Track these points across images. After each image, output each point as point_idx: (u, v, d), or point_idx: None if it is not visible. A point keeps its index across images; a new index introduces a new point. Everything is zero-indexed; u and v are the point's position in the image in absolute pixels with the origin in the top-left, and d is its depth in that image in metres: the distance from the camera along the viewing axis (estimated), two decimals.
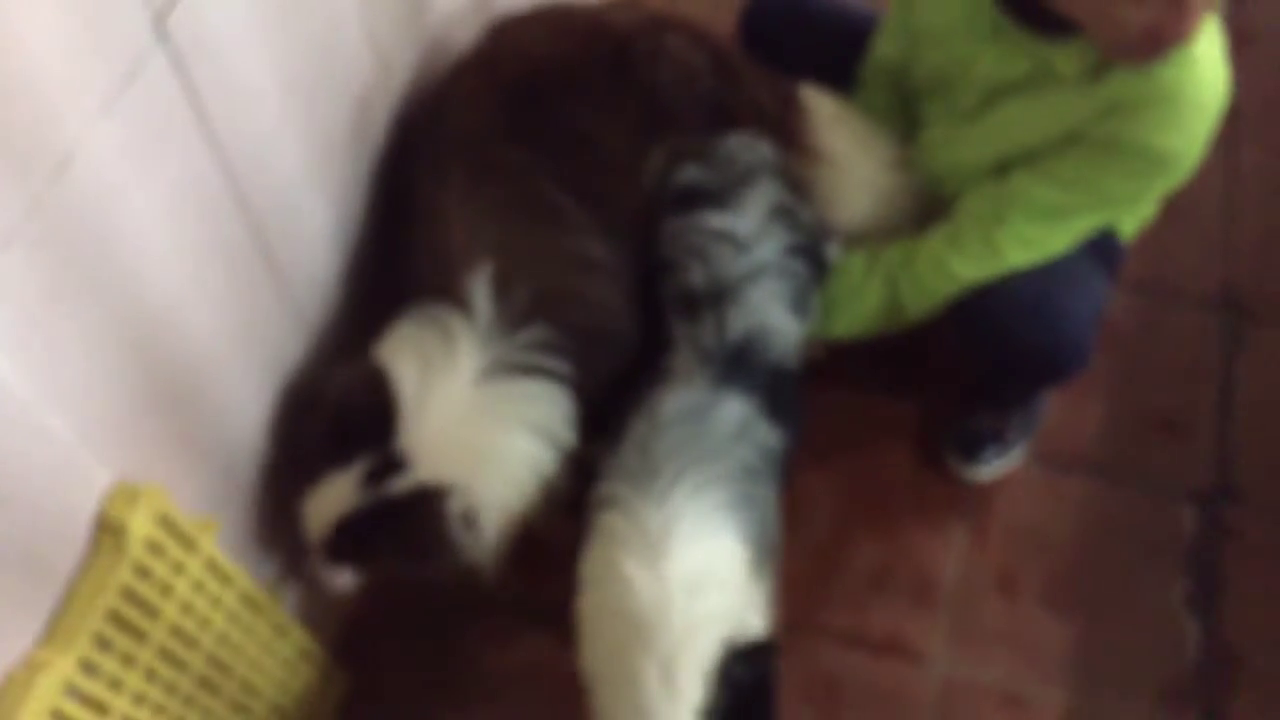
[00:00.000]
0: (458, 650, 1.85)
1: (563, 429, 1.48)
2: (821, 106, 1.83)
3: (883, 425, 2.10)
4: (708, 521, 1.40)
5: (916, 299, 1.75)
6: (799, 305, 1.62)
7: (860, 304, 1.78)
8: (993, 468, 2.03)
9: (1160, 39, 1.41)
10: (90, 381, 1.15)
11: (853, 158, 1.82)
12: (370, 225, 1.67)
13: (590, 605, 1.42)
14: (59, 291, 1.07)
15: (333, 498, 1.44)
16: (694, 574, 1.36)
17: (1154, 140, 1.54)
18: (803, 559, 1.94)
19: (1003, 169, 1.69)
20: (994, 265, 1.68)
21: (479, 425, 1.44)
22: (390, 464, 1.42)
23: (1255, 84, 2.25)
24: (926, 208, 1.82)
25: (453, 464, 1.43)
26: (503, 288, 1.44)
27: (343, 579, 1.65)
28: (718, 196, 1.61)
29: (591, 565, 1.43)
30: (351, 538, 1.45)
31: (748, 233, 1.58)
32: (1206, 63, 1.51)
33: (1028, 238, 1.66)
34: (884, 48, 1.87)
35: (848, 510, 2.02)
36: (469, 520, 1.44)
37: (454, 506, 1.42)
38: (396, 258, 1.60)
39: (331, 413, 1.46)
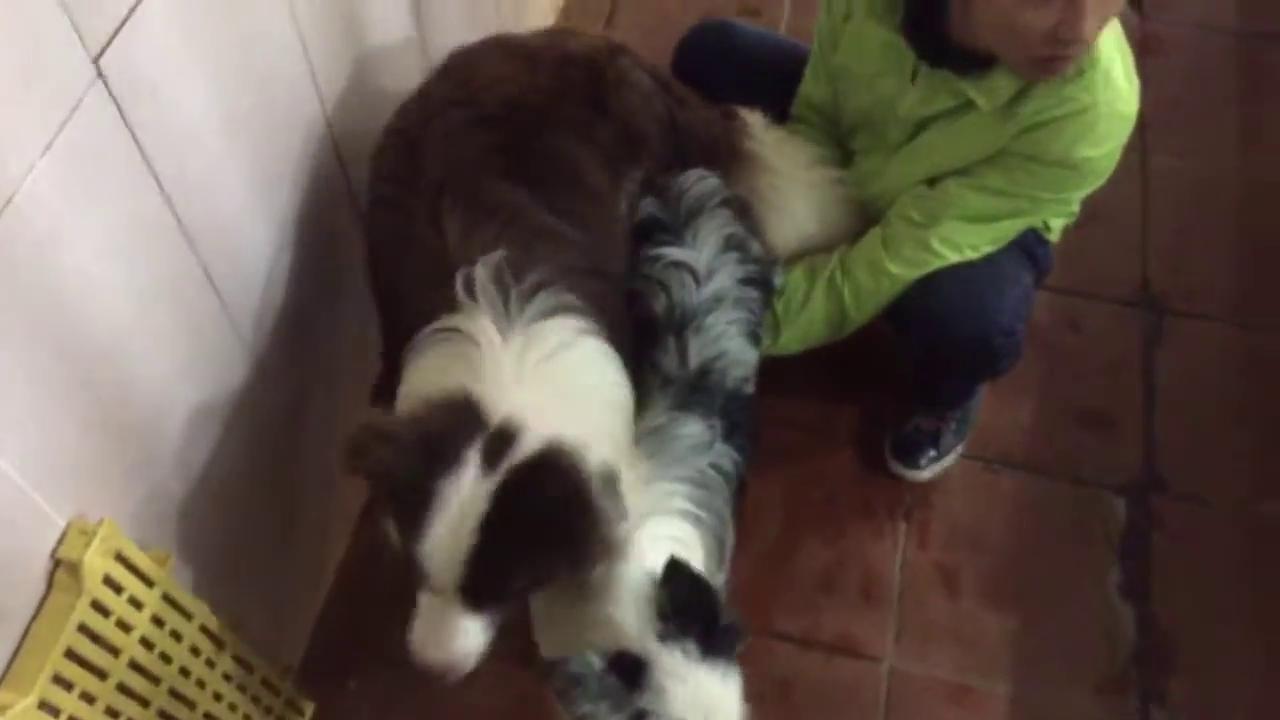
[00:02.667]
0: (420, 681, 1.82)
1: (616, 320, 1.43)
2: (758, 122, 1.86)
3: (824, 432, 2.13)
4: (660, 504, 1.41)
5: (858, 303, 1.78)
6: (754, 333, 1.66)
7: (806, 316, 1.81)
8: (932, 469, 2.07)
9: (1065, 42, 1.44)
10: (38, 421, 1.12)
11: (792, 166, 1.85)
12: (317, 256, 1.66)
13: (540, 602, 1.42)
14: (3, 332, 1.05)
15: (456, 510, 1.20)
16: (643, 540, 1.36)
17: (1073, 152, 1.60)
18: (753, 566, 1.96)
19: (933, 181, 1.74)
20: (926, 265, 1.72)
21: (552, 360, 1.31)
22: (501, 436, 1.23)
23: (1160, 92, 2.33)
24: (863, 219, 1.85)
25: (555, 404, 1.27)
26: (513, 273, 1.34)
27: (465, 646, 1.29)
28: (673, 229, 1.64)
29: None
30: (494, 552, 1.21)
31: (705, 264, 1.61)
32: (1117, 74, 1.56)
33: (958, 239, 1.71)
34: (811, 87, 1.91)
35: (795, 516, 2.04)
36: (608, 480, 1.25)
37: (590, 463, 1.23)
38: (382, 305, 1.55)
39: (409, 445, 1.24)
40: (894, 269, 1.74)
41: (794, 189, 1.84)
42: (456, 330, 1.33)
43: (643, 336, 1.58)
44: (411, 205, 1.46)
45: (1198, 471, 2.09)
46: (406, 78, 1.77)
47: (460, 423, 1.24)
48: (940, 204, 1.70)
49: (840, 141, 1.91)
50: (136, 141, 1.20)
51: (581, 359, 1.36)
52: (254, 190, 1.47)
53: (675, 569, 1.30)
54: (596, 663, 1.26)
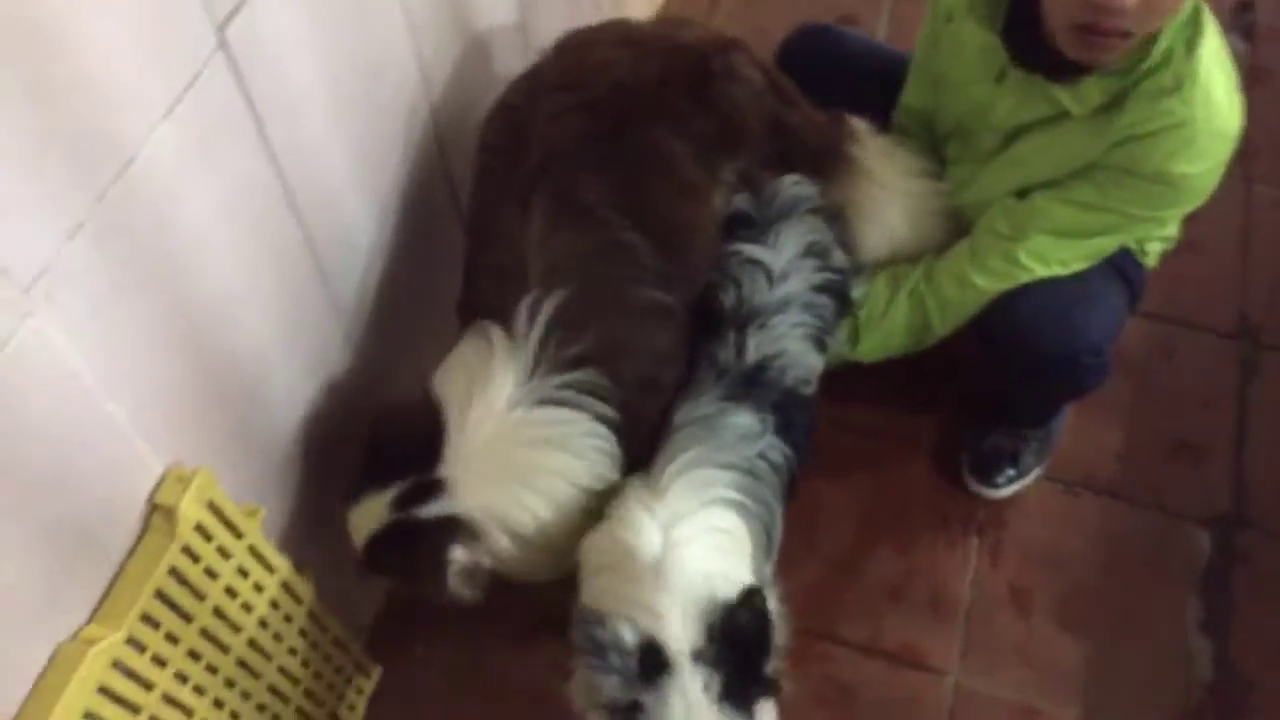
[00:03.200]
0: (487, 650, 1.86)
1: (597, 456, 1.46)
2: (866, 130, 1.85)
3: (903, 442, 2.11)
4: (703, 492, 1.40)
5: (941, 315, 1.76)
6: (820, 340, 1.65)
7: (886, 325, 1.79)
8: (1010, 488, 2.03)
9: (1102, 7, 1.38)
10: (147, 371, 1.17)
11: (895, 176, 1.83)
12: (412, 235, 1.70)
13: (586, 551, 1.43)
14: (122, 283, 1.10)
15: (367, 516, 1.43)
16: (686, 527, 1.37)
17: (1169, 167, 1.55)
18: (822, 570, 1.95)
19: (1024, 193, 1.71)
20: (1014, 278, 1.69)
21: (514, 448, 1.42)
22: (426, 488, 1.41)
23: (1267, 123, 2.25)
24: (956, 232, 1.83)
25: (489, 488, 1.41)
26: (560, 328, 1.43)
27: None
28: (758, 227, 1.65)
29: (586, 542, 1.43)
30: (378, 554, 1.45)
31: (781, 266, 1.61)
32: (1217, 91, 1.51)
33: (1046, 254, 1.67)
34: (911, 97, 1.89)
35: (867, 525, 2.02)
36: (473, 574, 1.44)
37: (459, 555, 1.41)
38: (467, 273, 1.60)
39: (381, 435, 1.46)
40: (979, 281, 1.71)
41: (893, 199, 1.82)
42: (488, 354, 1.43)
43: (705, 327, 1.58)
44: (508, 183, 1.50)
45: None
46: (509, 66, 1.80)
47: (412, 453, 1.42)
48: (1028, 217, 1.67)
49: (936, 151, 1.89)
50: (253, 110, 1.26)
51: (553, 451, 1.43)
52: (357, 166, 1.51)
53: (750, 597, 1.29)
54: (628, 639, 1.27)
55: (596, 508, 1.46)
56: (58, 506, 1.08)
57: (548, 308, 1.42)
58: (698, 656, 1.28)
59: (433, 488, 1.40)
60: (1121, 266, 1.75)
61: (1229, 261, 2.34)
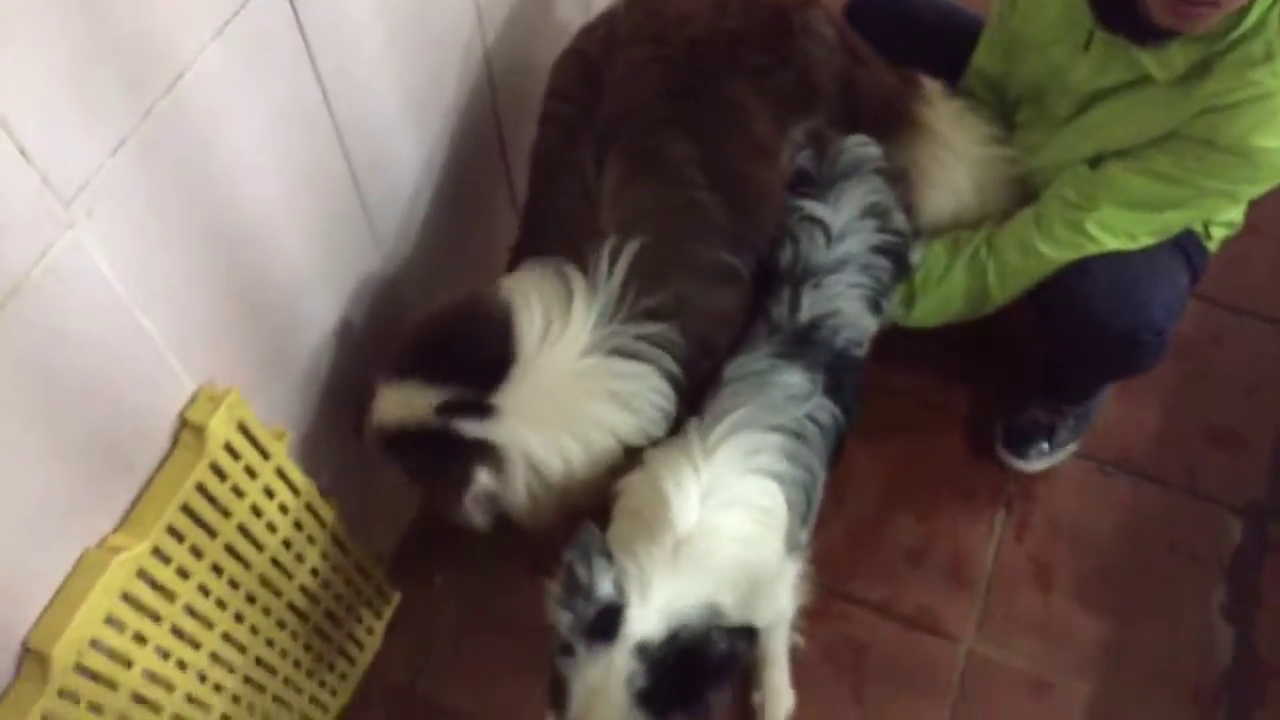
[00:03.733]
0: (503, 585, 1.88)
1: (654, 414, 1.46)
2: (938, 92, 1.81)
3: (937, 409, 2.08)
4: (749, 459, 1.40)
5: (1001, 282, 1.72)
6: (875, 302, 1.63)
7: (944, 290, 1.76)
8: (1042, 462, 2.01)
9: None
10: (183, 289, 1.18)
11: (964, 141, 1.79)
12: (457, 171, 1.69)
13: (624, 489, 1.43)
14: (162, 199, 1.11)
15: (405, 403, 1.41)
16: (727, 492, 1.37)
17: (1250, 140, 1.49)
18: (845, 530, 1.94)
19: (1096, 162, 1.66)
20: (1080, 249, 1.65)
21: (578, 394, 1.43)
22: (475, 407, 1.40)
23: None
24: (1020, 200, 1.79)
25: (536, 430, 1.41)
26: (639, 278, 1.43)
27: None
28: (820, 185, 1.62)
29: (628, 479, 1.44)
30: (403, 446, 1.44)
31: (840, 225, 1.60)
32: None
33: (1115, 225, 1.62)
34: (983, 59, 1.84)
35: (894, 488, 2.01)
36: (487, 499, 1.44)
37: (482, 482, 1.41)
38: (528, 215, 1.60)
39: (448, 331, 1.45)
40: (1044, 249, 1.67)
41: (960, 164, 1.79)
42: (565, 292, 1.42)
43: (761, 283, 1.57)
44: (581, 132, 1.49)
45: None
46: (566, 10, 1.78)
47: (477, 360, 1.41)
48: (1100, 186, 1.63)
49: (1006, 116, 1.84)
50: (304, 36, 1.25)
51: (614, 407, 1.44)
52: (405, 99, 1.50)
53: (738, 635, 1.26)
54: (600, 592, 1.26)
55: (625, 465, 1.46)
56: (89, 416, 1.10)
57: (628, 255, 1.41)
58: (643, 649, 1.26)
59: (483, 409, 1.39)
60: (1186, 247, 1.71)
61: None
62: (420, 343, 1.45)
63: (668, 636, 1.26)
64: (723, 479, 1.37)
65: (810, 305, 1.54)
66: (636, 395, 1.44)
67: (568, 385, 1.42)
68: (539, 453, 1.42)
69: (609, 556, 1.29)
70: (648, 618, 1.27)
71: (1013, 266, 1.71)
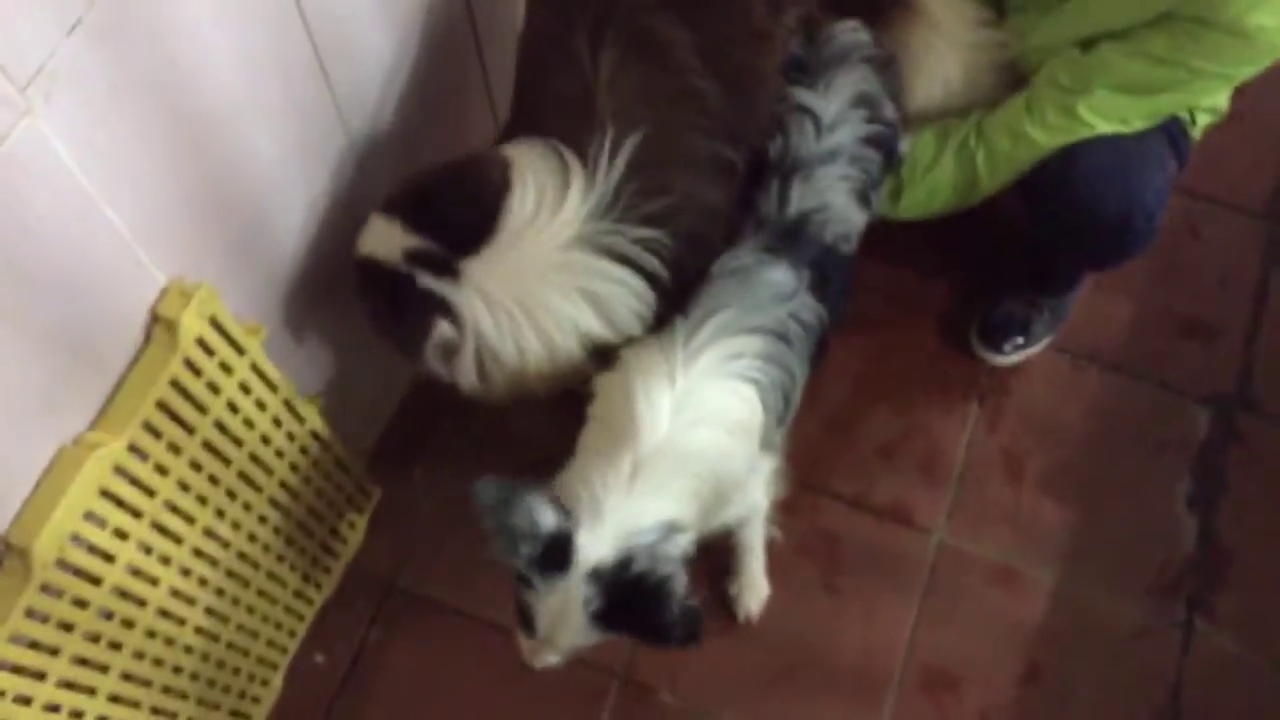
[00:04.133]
0: (480, 477, 1.88)
1: (629, 318, 1.45)
2: None
3: (911, 302, 2.09)
4: (729, 365, 1.39)
5: (991, 170, 1.70)
6: (864, 195, 1.60)
7: (932, 179, 1.74)
8: (1016, 355, 2.02)
9: None
10: (148, 179, 1.15)
11: (955, 23, 1.75)
12: (430, 59, 1.64)
13: (599, 390, 1.43)
14: (121, 85, 1.06)
15: (383, 238, 1.41)
16: (702, 399, 1.36)
17: (1248, 18, 1.46)
18: (818, 423, 1.96)
19: (1088, 45, 1.63)
20: (1071, 133, 1.63)
21: (546, 285, 1.41)
22: (443, 265, 1.39)
23: None
24: (1010, 88, 1.76)
25: (495, 308, 1.41)
26: (639, 176, 1.40)
27: None
28: (811, 73, 1.59)
29: (604, 379, 1.43)
30: (368, 280, 1.44)
31: (830, 116, 1.56)
32: None
33: (1108, 109, 1.60)
34: None
35: (869, 382, 2.02)
36: (446, 351, 1.43)
37: (443, 333, 1.40)
38: (520, 96, 1.55)
39: (444, 184, 1.44)
40: (1035, 134, 1.65)
41: (951, 47, 1.75)
42: (562, 176, 1.39)
43: (749, 174, 1.54)
44: (575, 15, 1.44)
45: None
46: None
47: (460, 219, 1.40)
48: (1093, 69, 1.60)
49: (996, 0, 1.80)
50: None
51: (586, 306, 1.42)
52: None
53: (688, 611, 1.29)
54: (544, 525, 1.28)
55: (591, 365, 1.46)
56: (57, 310, 1.08)
57: (628, 149, 1.38)
58: (596, 574, 1.28)
59: (447, 268, 1.38)
60: (1172, 133, 1.69)
61: (1269, 140, 2.26)
62: (415, 188, 1.44)
63: (619, 563, 1.29)
64: (698, 391, 1.36)
65: (799, 199, 1.52)
66: (614, 299, 1.42)
67: (541, 273, 1.40)
68: (490, 334, 1.41)
69: (540, 496, 1.30)
70: (599, 543, 1.29)
71: (1003, 153, 1.69)
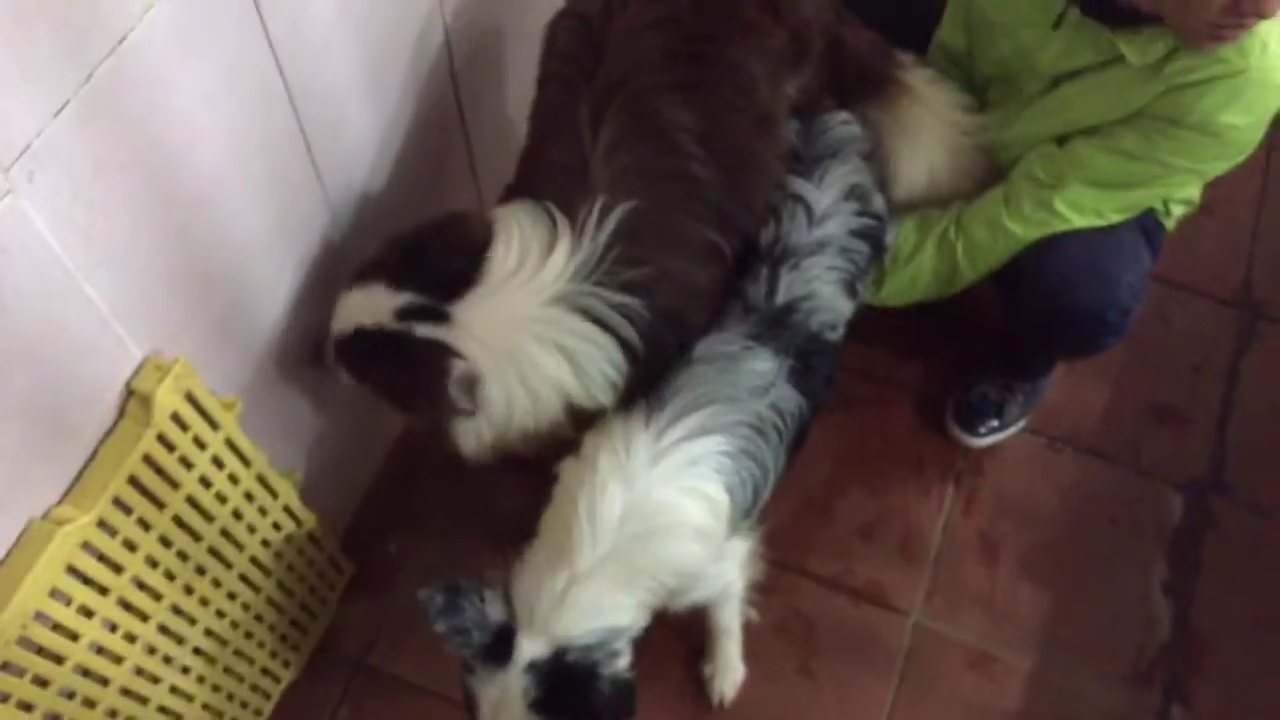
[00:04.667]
0: (457, 554, 1.87)
1: (602, 382, 1.46)
2: (911, 60, 1.81)
3: (889, 384, 2.10)
4: (697, 467, 1.39)
5: (970, 260, 1.73)
6: (851, 285, 1.62)
7: (913, 269, 1.76)
8: (991, 438, 2.03)
9: (1246, 14, 1.37)
10: (129, 256, 1.15)
11: (940, 104, 1.79)
12: (415, 138, 1.67)
13: (562, 475, 1.44)
14: (107, 164, 1.08)
15: (366, 306, 1.42)
16: (658, 508, 1.37)
17: (1217, 117, 1.50)
18: (798, 503, 1.96)
19: (1064, 139, 1.67)
20: (1047, 226, 1.66)
21: (528, 336, 1.42)
22: (435, 313, 1.41)
23: None
24: (989, 176, 1.79)
25: (485, 352, 1.41)
26: (623, 243, 1.42)
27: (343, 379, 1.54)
28: (805, 163, 1.62)
29: (567, 466, 1.44)
30: (363, 350, 1.44)
31: (823, 208, 1.59)
32: (1274, 44, 1.47)
33: (1083, 203, 1.64)
34: (948, 35, 1.83)
35: (846, 462, 2.03)
36: (470, 385, 1.42)
37: (459, 368, 1.40)
38: (524, 162, 1.58)
39: (422, 242, 1.46)
40: (1013, 227, 1.68)
41: (938, 126, 1.79)
42: (550, 235, 1.42)
43: (740, 260, 1.56)
44: (581, 90, 1.48)
45: (1265, 482, 2.02)
46: None
47: (443, 270, 1.43)
48: (1068, 164, 1.63)
49: (972, 90, 1.84)
50: None
51: (563, 362, 1.44)
52: (362, 63, 1.47)
53: (622, 689, 1.34)
54: (491, 618, 1.33)
55: (567, 427, 1.47)
56: (31, 383, 1.07)
57: (616, 216, 1.41)
58: (533, 666, 1.33)
59: (439, 315, 1.40)
60: (1146, 226, 1.73)
61: (1240, 229, 2.30)
62: (389, 250, 1.46)
63: (554, 656, 1.34)
64: (657, 495, 1.37)
65: (787, 287, 1.54)
66: (589, 359, 1.44)
67: (522, 325, 1.41)
68: (485, 379, 1.42)
69: (490, 590, 1.36)
70: (536, 644, 1.34)
71: (981, 245, 1.72)
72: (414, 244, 1.46)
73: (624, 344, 1.44)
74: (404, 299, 1.41)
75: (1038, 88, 1.68)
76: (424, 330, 1.40)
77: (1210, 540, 1.97)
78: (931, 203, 1.80)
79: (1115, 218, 1.66)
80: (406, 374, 1.44)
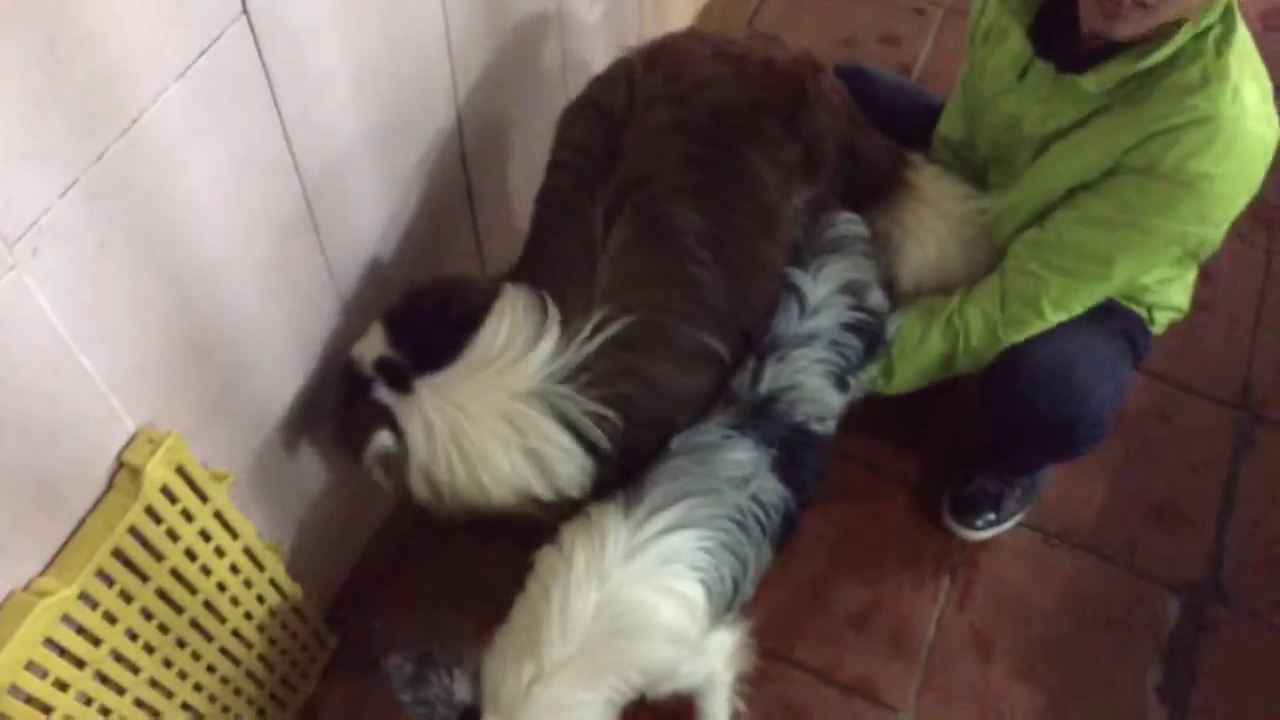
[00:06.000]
0: (444, 632, 1.86)
1: (569, 483, 1.47)
2: (918, 158, 1.84)
3: (885, 474, 2.09)
4: (671, 565, 1.38)
5: (967, 349, 1.72)
6: (841, 378, 1.61)
7: (922, 357, 1.74)
8: (988, 531, 2.02)
9: None
10: (129, 332, 1.16)
11: (947, 201, 1.81)
12: (422, 220, 1.68)
13: (537, 562, 1.43)
14: (111, 241, 1.09)
15: (366, 342, 1.49)
16: (630, 606, 1.36)
17: (1188, 165, 1.48)
18: (790, 593, 1.94)
19: (1047, 211, 1.66)
20: (1030, 328, 1.66)
21: (484, 428, 1.43)
22: (402, 378, 1.45)
23: None
24: (994, 259, 1.79)
25: (434, 436, 1.43)
26: (612, 356, 1.43)
27: None
28: (804, 255, 1.62)
29: (544, 554, 1.43)
30: (342, 378, 1.51)
31: (816, 300, 1.58)
32: (1246, 93, 1.47)
33: (1068, 301, 1.64)
34: (947, 127, 1.86)
35: (840, 552, 2.01)
36: (385, 462, 1.47)
37: (380, 443, 1.44)
38: (529, 246, 1.60)
39: (432, 297, 1.51)
40: (1007, 333, 1.68)
41: (944, 223, 1.80)
42: (538, 326, 1.44)
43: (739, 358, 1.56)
44: (594, 184, 1.50)
45: (1263, 587, 1.99)
46: (540, 55, 1.77)
47: (436, 337, 1.47)
48: (1049, 248, 1.63)
49: (976, 180, 1.85)
50: (269, 81, 1.23)
51: (527, 464, 1.45)
52: (371, 146, 1.49)
53: None
54: (459, 696, 1.32)
55: (536, 508, 1.48)
56: (21, 454, 1.07)
57: (611, 329, 1.42)
58: None
59: (402, 382, 1.45)
60: (1131, 333, 1.72)
61: (1240, 328, 2.30)
62: (404, 297, 1.52)
63: None
64: (628, 594, 1.36)
65: (771, 378, 1.53)
66: (553, 460, 1.44)
67: (487, 418, 1.42)
68: (425, 456, 1.44)
69: (459, 671, 1.35)
70: None
71: (977, 335, 1.71)
72: (418, 300, 1.50)
73: (594, 449, 1.44)
74: (389, 352, 1.46)
75: (1028, 158, 1.69)
76: (381, 391, 1.45)
77: (1206, 645, 1.94)
78: (938, 288, 1.80)
79: (1101, 297, 1.66)
80: (347, 422, 1.49)
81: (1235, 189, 1.52)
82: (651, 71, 1.58)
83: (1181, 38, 1.44)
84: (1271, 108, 1.51)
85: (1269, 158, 1.52)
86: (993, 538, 2.02)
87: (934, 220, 1.80)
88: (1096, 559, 2.03)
